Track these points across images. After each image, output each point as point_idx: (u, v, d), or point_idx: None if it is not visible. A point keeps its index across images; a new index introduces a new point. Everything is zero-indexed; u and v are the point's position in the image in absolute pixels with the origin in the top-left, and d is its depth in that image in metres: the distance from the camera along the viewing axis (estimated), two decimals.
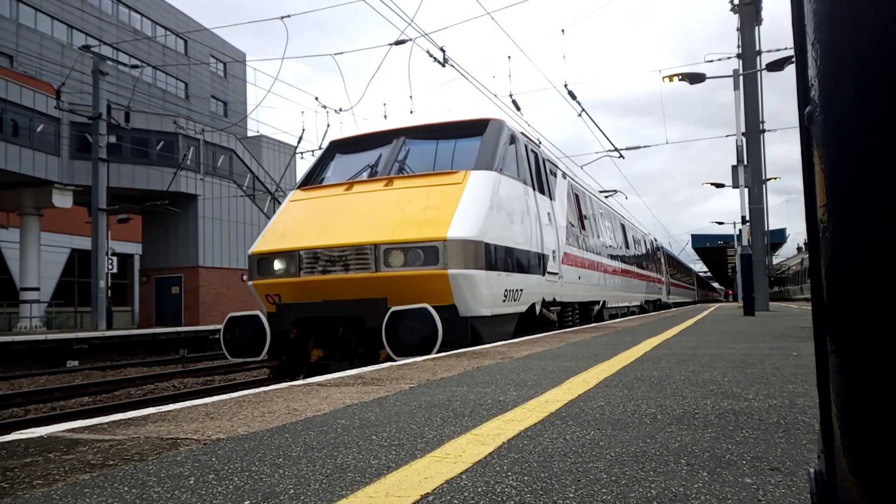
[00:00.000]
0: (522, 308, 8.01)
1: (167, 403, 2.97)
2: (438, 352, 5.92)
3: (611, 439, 1.92)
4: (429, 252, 6.38)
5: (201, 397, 3.27)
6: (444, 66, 12.61)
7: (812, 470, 0.74)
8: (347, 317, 6.63)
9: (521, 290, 7.78)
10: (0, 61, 30.85)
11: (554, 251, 9.38)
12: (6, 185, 24.70)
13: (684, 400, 2.62)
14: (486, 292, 6.72)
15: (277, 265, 7.12)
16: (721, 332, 7.74)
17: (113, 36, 35.76)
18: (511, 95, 17.74)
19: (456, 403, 2.66)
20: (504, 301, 7.25)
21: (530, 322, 8.66)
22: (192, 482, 1.55)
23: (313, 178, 8.53)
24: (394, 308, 6.15)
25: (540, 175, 9.48)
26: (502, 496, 1.39)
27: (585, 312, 12.52)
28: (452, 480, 1.52)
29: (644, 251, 21.83)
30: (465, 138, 8.00)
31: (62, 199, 25.47)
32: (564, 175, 11.58)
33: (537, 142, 9.88)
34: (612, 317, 15.47)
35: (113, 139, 23.78)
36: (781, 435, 1.93)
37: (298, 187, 8.33)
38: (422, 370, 4.00)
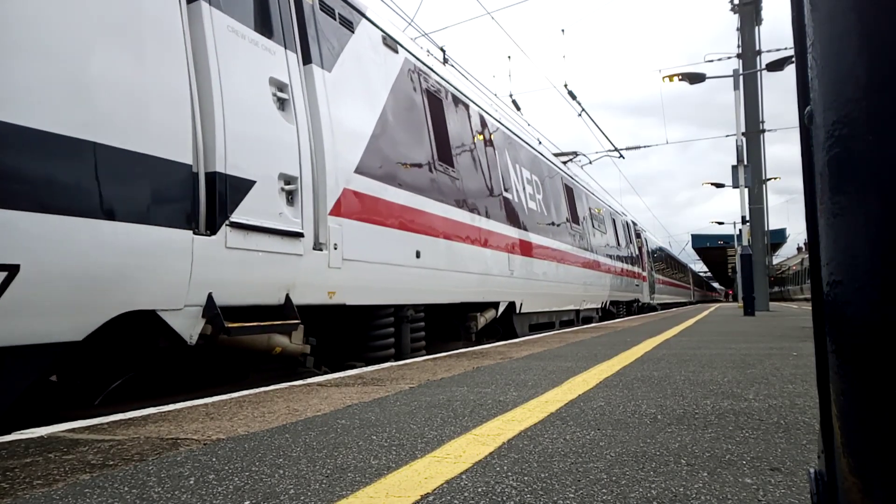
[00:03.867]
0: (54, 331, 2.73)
1: (167, 403, 2.97)
2: None
3: (611, 439, 1.92)
4: None
5: (201, 397, 3.21)
6: (443, 65, 12.62)
7: (812, 470, 0.74)
8: None
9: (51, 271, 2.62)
10: None
11: (287, 176, 4.00)
12: None
13: (684, 400, 2.62)
14: None
15: None
16: (721, 332, 7.74)
17: None
18: (511, 95, 17.77)
19: (456, 403, 2.66)
20: None
21: (155, 366, 3.81)
22: (192, 482, 1.56)
23: None
24: None
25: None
26: (502, 496, 1.39)
27: (453, 321, 7.07)
28: (452, 480, 1.52)
29: (613, 233, 16.24)
30: None
31: None
32: (397, 44, 5.95)
33: None
34: (544, 327, 10.03)
35: None
36: (781, 435, 1.93)
37: None
38: (422, 370, 4.00)
